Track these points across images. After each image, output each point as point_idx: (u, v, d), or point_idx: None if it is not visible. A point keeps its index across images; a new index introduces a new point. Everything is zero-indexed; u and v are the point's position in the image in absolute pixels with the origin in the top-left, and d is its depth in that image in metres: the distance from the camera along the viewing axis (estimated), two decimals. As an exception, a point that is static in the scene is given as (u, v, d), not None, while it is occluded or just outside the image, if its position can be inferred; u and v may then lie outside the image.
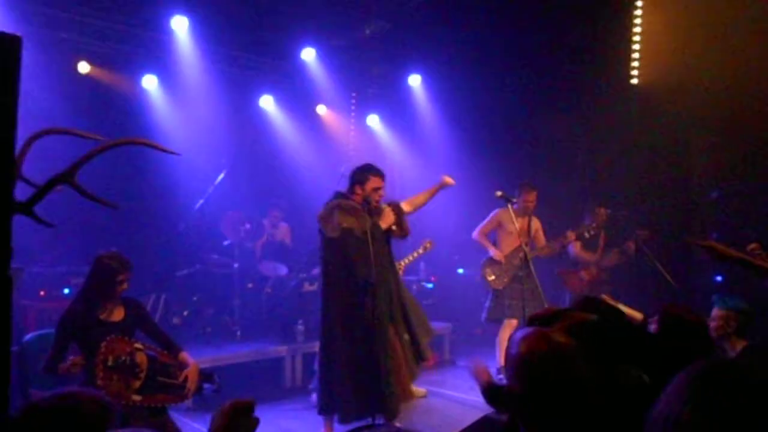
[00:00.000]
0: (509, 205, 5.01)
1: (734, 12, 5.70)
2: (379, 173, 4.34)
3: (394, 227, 4.39)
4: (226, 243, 6.80)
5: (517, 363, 1.51)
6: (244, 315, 6.50)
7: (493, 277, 5.83)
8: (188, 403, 4.78)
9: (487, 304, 5.92)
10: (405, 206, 4.58)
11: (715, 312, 3.33)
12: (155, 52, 7.00)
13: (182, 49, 6.96)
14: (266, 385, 5.84)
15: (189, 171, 6.71)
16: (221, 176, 6.65)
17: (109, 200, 2.03)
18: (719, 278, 5.70)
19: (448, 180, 4.65)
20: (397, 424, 4.28)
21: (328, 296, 4.28)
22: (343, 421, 4.17)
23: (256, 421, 1.59)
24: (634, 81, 6.76)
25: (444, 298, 7.77)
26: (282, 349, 6.02)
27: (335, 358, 4.18)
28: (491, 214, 5.95)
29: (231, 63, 7.59)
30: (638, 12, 6.72)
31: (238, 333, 6.35)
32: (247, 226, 6.67)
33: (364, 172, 4.34)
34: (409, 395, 4.46)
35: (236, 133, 7.64)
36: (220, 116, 7.35)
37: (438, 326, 7.10)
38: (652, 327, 2.67)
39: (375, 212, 4.30)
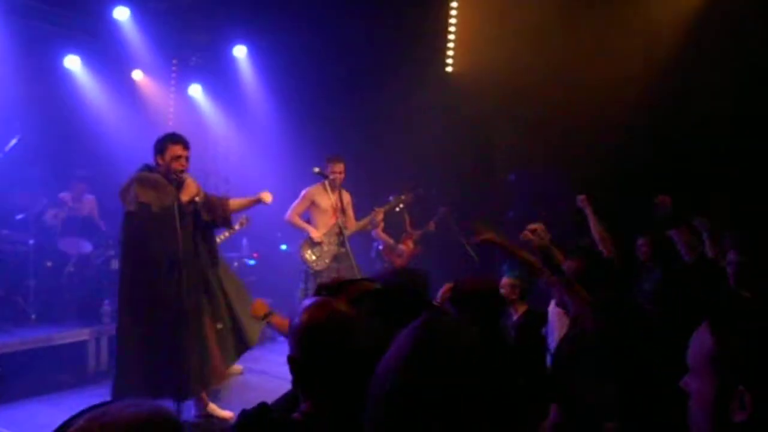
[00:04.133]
0: (326, 182, 5.08)
1: (544, 11, 6.26)
2: (179, 141, 4.07)
3: (197, 199, 4.12)
4: (19, 217, 6.11)
5: (297, 331, 1.55)
6: (40, 296, 5.92)
7: (313, 258, 5.65)
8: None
9: (302, 285, 5.75)
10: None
11: (504, 280, 3.73)
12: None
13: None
14: (68, 371, 5.38)
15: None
16: (13, 142, 5.92)
17: None
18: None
19: (266, 197, 4.38)
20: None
21: (125, 274, 4.06)
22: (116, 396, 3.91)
23: None
24: (449, 69, 7.20)
25: (266, 275, 7.72)
26: (85, 332, 5.58)
27: (126, 339, 3.99)
28: (303, 193, 5.73)
29: (27, 14, 6.73)
30: (454, 4, 7.15)
31: (33, 316, 5.78)
32: (45, 200, 6.07)
33: (163, 141, 4.07)
34: (218, 379, 4.34)
35: (34, 94, 6.82)
36: (13, 74, 6.52)
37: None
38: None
39: (178, 185, 4.01)
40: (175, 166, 4.00)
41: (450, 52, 7.19)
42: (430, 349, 0.97)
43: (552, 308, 3.56)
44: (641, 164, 5.90)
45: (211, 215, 4.23)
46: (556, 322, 3.52)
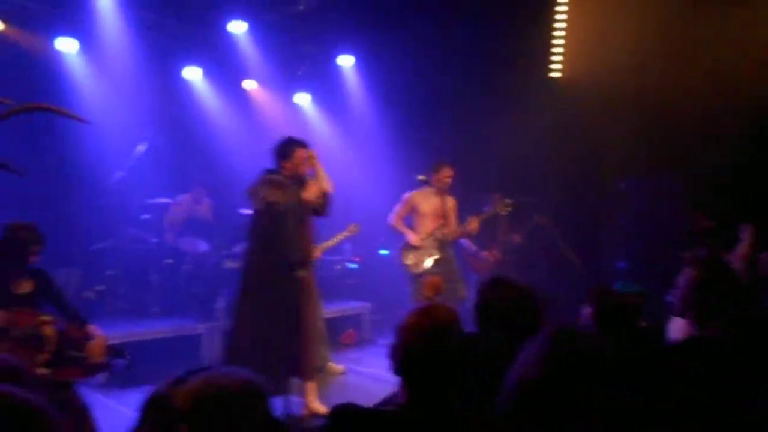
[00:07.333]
0: (431, 189, 5.13)
1: (654, 11, 6.02)
2: (303, 144, 4.33)
3: (319, 200, 4.37)
4: (144, 217, 6.63)
5: (400, 331, 1.77)
6: (161, 291, 6.37)
7: (411, 262, 5.70)
8: (102, 378, 4.68)
9: (411, 288, 5.79)
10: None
11: None
12: (73, 12, 6.64)
13: (103, 11, 6.64)
14: (184, 362, 5.74)
15: (108, 141, 6.45)
16: (142, 148, 6.44)
17: (15, 167, 1.97)
18: (622, 264, 6.08)
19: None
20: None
21: (248, 270, 4.31)
22: None
23: None
24: (556, 74, 7.05)
25: (367, 278, 7.89)
26: (200, 327, 5.95)
27: (244, 334, 4.21)
28: (404, 197, 5.77)
29: (156, 29, 7.29)
30: (562, 8, 7.01)
31: (155, 309, 6.23)
32: (168, 202, 6.53)
33: (289, 145, 4.31)
34: (314, 373, 4.53)
35: (159, 103, 7.38)
36: (143, 85, 7.07)
37: (358, 306, 7.27)
38: (587, 311, 2.87)
39: (302, 184, 4.29)
40: (302, 168, 4.26)
41: (556, 57, 7.05)
42: (564, 359, 0.99)
43: (673, 325, 3.36)
44: (760, 168, 5.51)
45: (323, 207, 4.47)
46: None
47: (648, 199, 6.32)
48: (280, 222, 4.07)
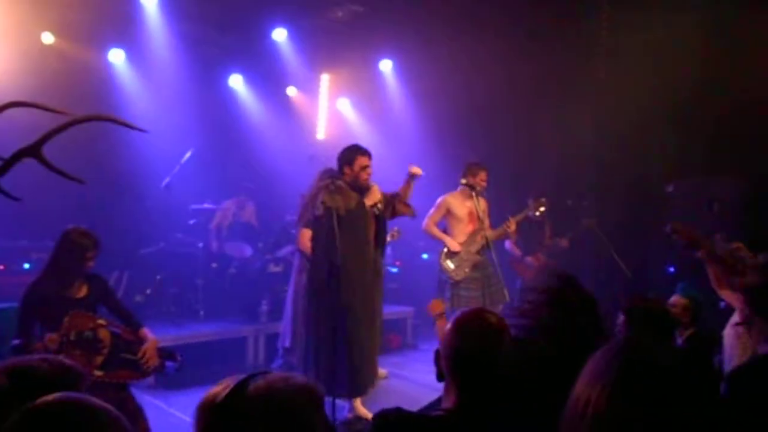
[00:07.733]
0: (473, 194, 5.08)
1: (699, 15, 5.88)
2: (366, 152, 4.46)
3: (379, 205, 4.47)
4: (191, 222, 6.77)
5: (450, 334, 1.76)
6: (207, 295, 6.49)
7: (453, 268, 5.49)
8: (150, 380, 4.78)
9: (447, 294, 5.54)
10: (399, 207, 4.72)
11: (677, 299, 3.48)
12: (122, 26, 6.86)
13: (151, 24, 6.85)
14: (229, 364, 5.83)
15: (156, 148, 6.62)
16: (188, 154, 6.59)
17: (75, 175, 2.03)
18: (671, 269, 5.92)
19: (415, 170, 4.68)
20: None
21: (313, 275, 4.42)
22: None
23: None
24: (602, 75, 6.92)
25: (408, 283, 7.88)
26: (245, 330, 6.05)
27: (312, 340, 4.33)
28: (438, 201, 5.61)
29: (200, 40, 7.48)
30: (608, 8, 6.88)
31: (202, 312, 6.34)
32: (213, 207, 6.67)
33: (352, 153, 4.43)
34: (374, 376, 4.58)
35: (204, 111, 7.56)
36: (188, 94, 7.26)
37: (400, 310, 7.26)
38: (620, 319, 2.81)
39: (363, 191, 4.42)
40: (363, 175, 4.38)
41: (603, 58, 6.92)
42: (636, 373, 0.97)
43: (728, 331, 3.23)
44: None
45: (391, 211, 4.60)
46: (736, 347, 3.17)
47: (696, 202, 6.13)
48: (339, 227, 4.11)
